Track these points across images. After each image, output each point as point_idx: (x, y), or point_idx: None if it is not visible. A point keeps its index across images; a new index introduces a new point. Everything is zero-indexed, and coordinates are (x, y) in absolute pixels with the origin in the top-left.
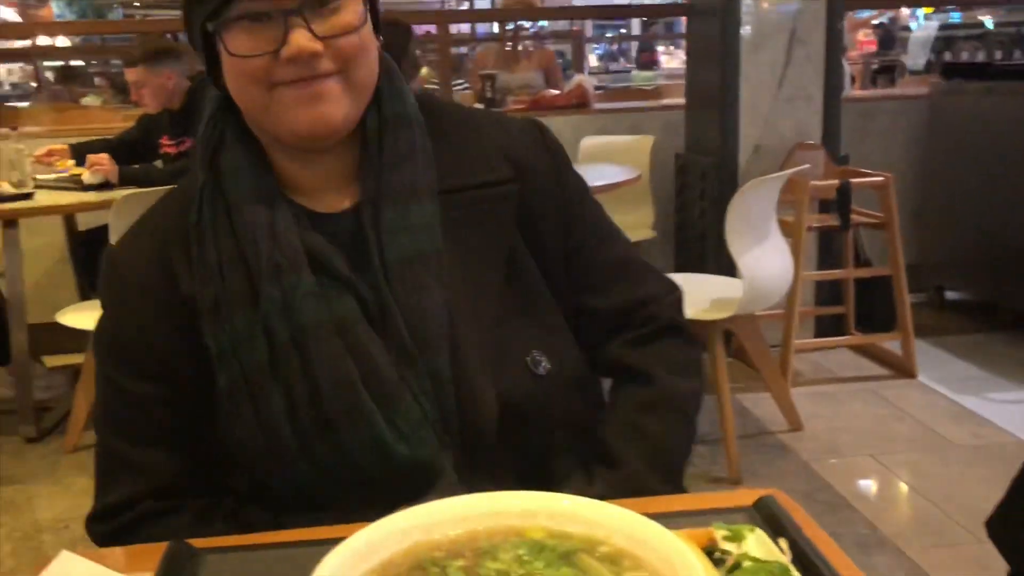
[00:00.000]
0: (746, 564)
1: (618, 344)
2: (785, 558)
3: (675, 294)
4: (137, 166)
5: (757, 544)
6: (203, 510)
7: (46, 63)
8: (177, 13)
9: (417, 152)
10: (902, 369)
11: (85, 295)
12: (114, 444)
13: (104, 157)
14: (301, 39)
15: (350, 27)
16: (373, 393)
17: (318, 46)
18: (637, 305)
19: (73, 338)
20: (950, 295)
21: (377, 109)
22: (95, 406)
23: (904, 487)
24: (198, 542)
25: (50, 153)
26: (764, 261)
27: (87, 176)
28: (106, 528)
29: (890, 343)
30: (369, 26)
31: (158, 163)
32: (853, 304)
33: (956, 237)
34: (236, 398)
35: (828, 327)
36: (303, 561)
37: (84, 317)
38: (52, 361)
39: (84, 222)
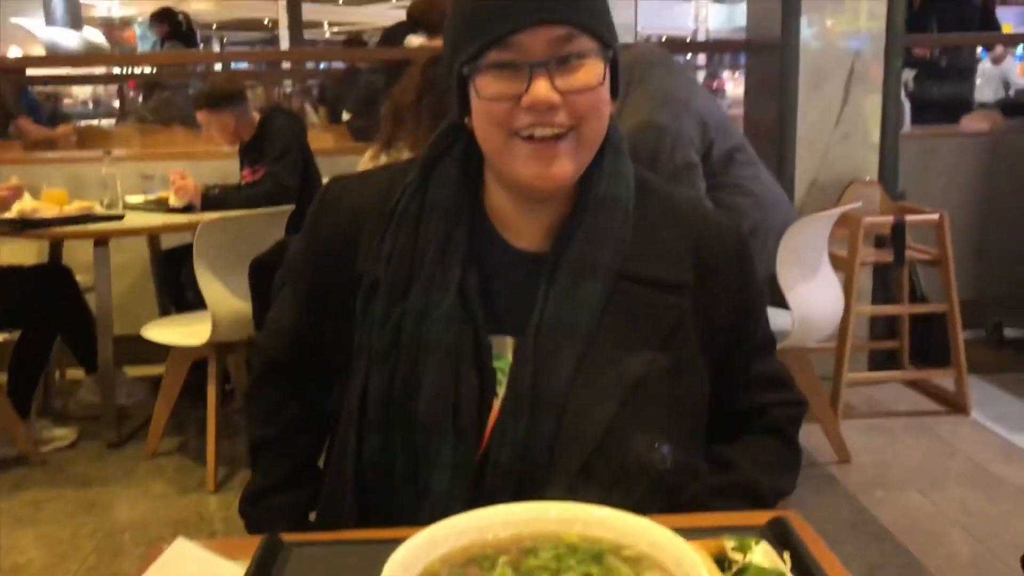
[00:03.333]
0: (750, 571)
1: (719, 441)
2: (786, 568)
3: (797, 408)
4: (217, 190)
5: (763, 555)
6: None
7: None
8: (249, 36)
9: (611, 238)
10: (955, 406)
11: (166, 310)
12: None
13: (189, 181)
14: (542, 90)
15: (589, 85)
16: (457, 424)
17: (556, 98)
18: (757, 410)
19: (154, 351)
20: (1009, 332)
21: (594, 186)
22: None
23: (950, 523)
24: (288, 537)
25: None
26: (815, 296)
27: (173, 199)
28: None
29: (944, 379)
30: (606, 87)
31: None
32: (908, 339)
33: (1016, 274)
34: (356, 359)
35: (882, 361)
36: (377, 554)
37: (166, 332)
38: (133, 371)
39: (167, 241)
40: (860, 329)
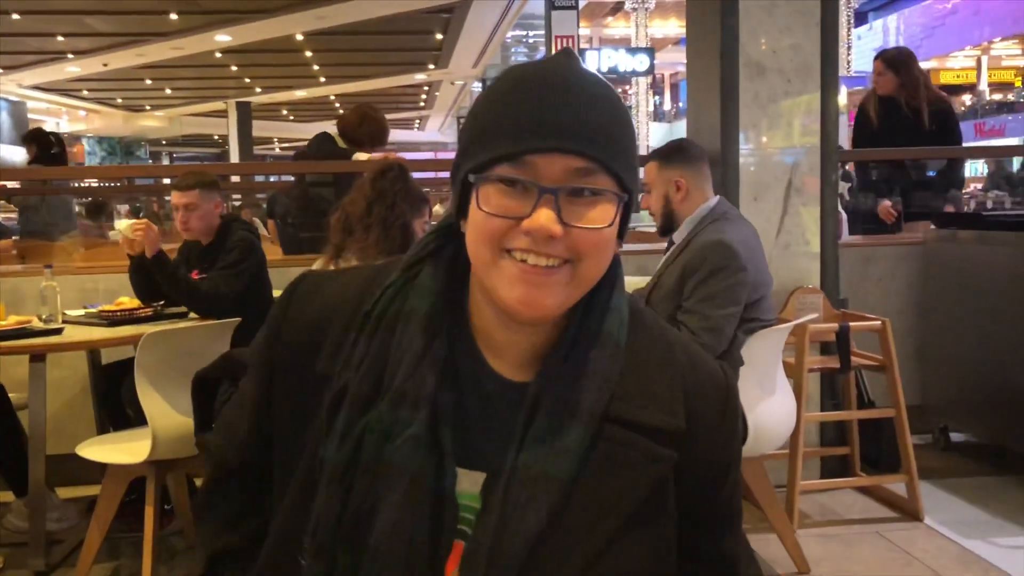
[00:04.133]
0: None
1: None
2: None
3: None
4: (173, 260)
5: None
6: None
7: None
8: (199, 152)
9: (598, 375)
10: (908, 511)
11: (104, 428)
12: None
13: (148, 223)
14: (546, 218)
15: (596, 224)
16: (410, 561)
17: (558, 230)
18: None
19: (89, 470)
20: (955, 436)
21: (583, 320)
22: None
23: None
24: None
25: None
26: (769, 406)
27: (124, 226)
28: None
29: (895, 485)
30: (614, 230)
31: None
32: (858, 445)
33: (958, 379)
34: (311, 476)
35: (834, 468)
36: None
37: (102, 450)
38: (66, 493)
39: (107, 356)
40: (810, 436)
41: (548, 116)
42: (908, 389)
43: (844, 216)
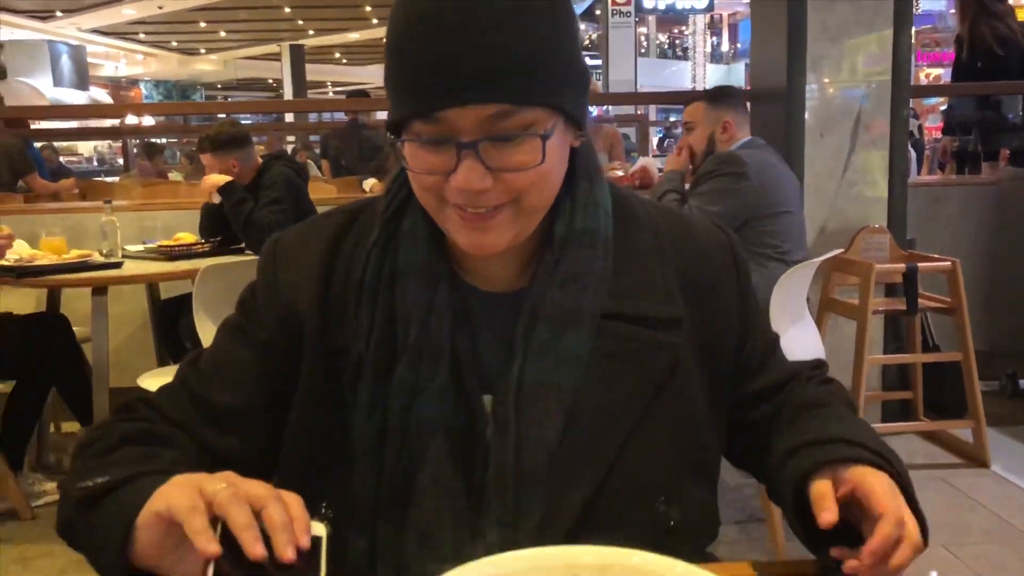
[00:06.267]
0: None
1: (765, 411)
2: None
3: (820, 369)
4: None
5: None
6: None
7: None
8: (251, 96)
9: (592, 274)
10: (974, 458)
11: (164, 361)
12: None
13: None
14: (470, 174)
15: (524, 166)
16: (464, 504)
17: (487, 183)
18: (788, 378)
19: None
20: None
21: (568, 219)
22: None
23: None
24: None
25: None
26: (799, 343)
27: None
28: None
29: (960, 431)
30: (553, 156)
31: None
32: (921, 389)
33: None
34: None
35: (895, 412)
36: None
37: (164, 382)
38: None
39: (166, 291)
40: (872, 379)
41: (447, 65)
42: (975, 334)
43: (913, 155)
